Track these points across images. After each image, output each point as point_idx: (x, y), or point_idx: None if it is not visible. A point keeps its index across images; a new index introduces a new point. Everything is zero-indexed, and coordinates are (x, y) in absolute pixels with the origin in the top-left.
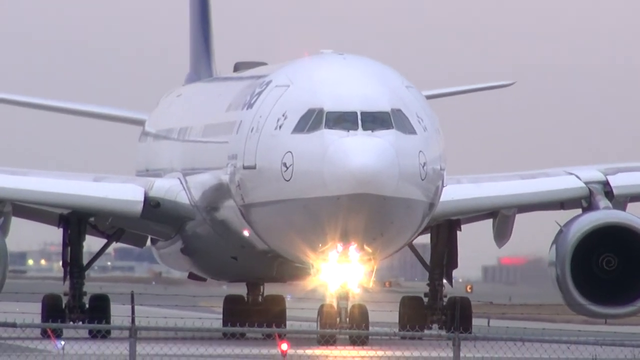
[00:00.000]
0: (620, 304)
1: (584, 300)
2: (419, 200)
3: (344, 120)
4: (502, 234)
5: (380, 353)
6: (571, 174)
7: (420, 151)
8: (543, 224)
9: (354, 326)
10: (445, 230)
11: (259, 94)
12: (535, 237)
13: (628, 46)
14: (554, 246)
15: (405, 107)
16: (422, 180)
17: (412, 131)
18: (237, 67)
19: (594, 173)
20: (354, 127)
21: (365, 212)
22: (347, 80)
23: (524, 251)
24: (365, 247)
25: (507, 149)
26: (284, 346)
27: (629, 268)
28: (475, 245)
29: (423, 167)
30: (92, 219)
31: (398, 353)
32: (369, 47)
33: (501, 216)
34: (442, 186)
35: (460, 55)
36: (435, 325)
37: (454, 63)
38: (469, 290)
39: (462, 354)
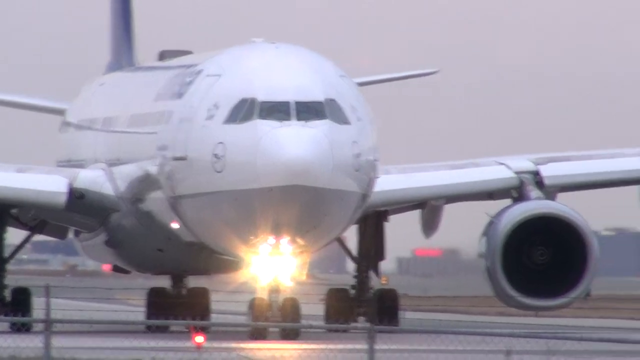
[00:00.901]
0: (552, 296)
1: (515, 292)
2: (353, 192)
3: (277, 111)
4: (430, 224)
5: (305, 347)
6: (502, 164)
7: (354, 142)
8: (461, 214)
9: (286, 320)
10: (372, 221)
11: (189, 83)
12: (450, 229)
13: (554, 36)
14: (485, 237)
15: (339, 97)
16: (356, 171)
17: (346, 121)
18: (163, 55)
19: (524, 163)
20: (288, 117)
21: (299, 204)
22: (280, 69)
23: (440, 243)
24: (298, 239)
25: (437, 138)
26: (199, 339)
27: (560, 259)
28: (389, 237)
29: (357, 158)
30: (14, 211)
31: (322, 346)
32: (293, 35)
33: (430, 207)
34: (375, 177)
35: (387, 43)
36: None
37: (380, 52)
38: (384, 282)
39: (377, 347)
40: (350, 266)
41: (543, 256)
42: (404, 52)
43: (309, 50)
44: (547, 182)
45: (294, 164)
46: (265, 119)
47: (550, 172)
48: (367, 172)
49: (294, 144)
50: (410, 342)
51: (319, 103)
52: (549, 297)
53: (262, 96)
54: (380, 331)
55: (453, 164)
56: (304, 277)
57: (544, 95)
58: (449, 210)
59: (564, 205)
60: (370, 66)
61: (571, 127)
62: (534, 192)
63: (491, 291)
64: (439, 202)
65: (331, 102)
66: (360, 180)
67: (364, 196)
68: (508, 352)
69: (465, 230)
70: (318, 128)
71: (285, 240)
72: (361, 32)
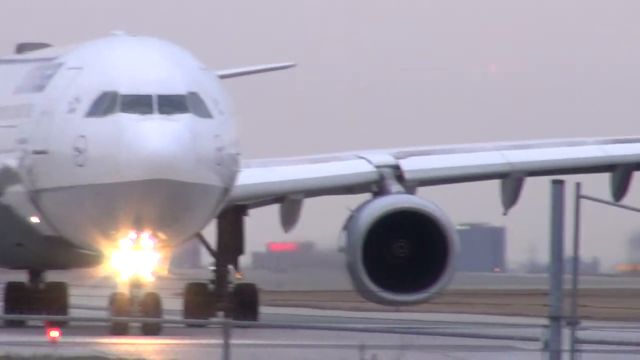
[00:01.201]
0: (412, 291)
1: (376, 287)
2: (215, 186)
3: (139, 104)
4: (289, 219)
5: (162, 342)
6: (362, 157)
7: (217, 135)
8: (321, 208)
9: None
10: (231, 215)
11: (50, 76)
12: (308, 223)
13: (421, 25)
14: (345, 232)
15: (201, 90)
16: (218, 165)
17: (208, 115)
18: (21, 48)
19: (385, 157)
20: (150, 110)
21: (161, 198)
22: (142, 62)
23: (298, 237)
24: (160, 234)
25: (298, 132)
26: (54, 333)
27: (421, 254)
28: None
29: (219, 151)
30: None
31: (179, 341)
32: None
33: (289, 201)
34: (238, 171)
35: (246, 36)
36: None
37: (238, 44)
38: (239, 277)
39: (233, 342)
40: (205, 261)
41: (403, 251)
42: (262, 46)
43: (170, 43)
44: (407, 176)
45: (156, 157)
46: (127, 112)
47: (411, 166)
48: (229, 165)
49: (156, 137)
50: (266, 337)
51: (181, 96)
52: (409, 292)
53: (124, 89)
54: (237, 326)
55: (314, 158)
56: (165, 272)
57: (405, 89)
58: (309, 204)
59: (425, 200)
60: (228, 59)
61: (432, 122)
62: (395, 186)
63: (351, 286)
64: (298, 197)
65: (193, 95)
66: (223, 174)
67: (226, 190)
68: (362, 347)
69: (324, 225)
70: (180, 122)
71: (146, 234)
72: (220, 24)
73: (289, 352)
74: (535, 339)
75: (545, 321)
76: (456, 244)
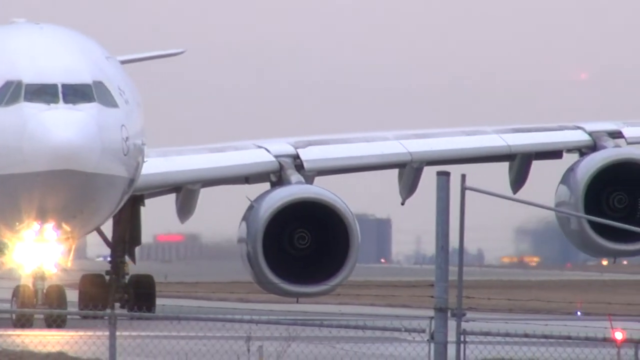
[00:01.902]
0: (314, 283)
1: (277, 278)
2: (121, 177)
3: (44, 93)
4: (185, 209)
5: (55, 333)
6: (261, 147)
7: (123, 125)
8: (212, 199)
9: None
10: (128, 206)
11: None
12: (202, 213)
13: (318, 10)
14: (245, 222)
15: (107, 79)
16: (125, 155)
17: (114, 104)
18: None
19: (284, 146)
20: (55, 100)
21: (66, 189)
22: (47, 51)
23: (180, 229)
24: (64, 225)
25: (196, 121)
26: None
27: (322, 245)
28: None
29: (125, 141)
30: None
31: (81, 333)
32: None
33: (186, 191)
34: (143, 161)
35: (135, 23)
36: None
37: (126, 31)
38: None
39: (119, 332)
40: (92, 252)
41: (304, 242)
42: (153, 32)
43: (74, 31)
44: (307, 165)
45: (61, 148)
46: (32, 101)
47: (310, 155)
48: (135, 156)
49: (61, 127)
50: (152, 329)
51: (87, 86)
52: (311, 284)
53: (28, 78)
54: (122, 317)
55: (213, 147)
56: (69, 264)
57: (303, 77)
58: (205, 194)
59: (326, 190)
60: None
61: (331, 110)
62: (294, 176)
63: (251, 277)
64: (195, 187)
65: (99, 84)
66: (129, 164)
67: (132, 181)
68: (248, 338)
69: (214, 215)
70: (86, 111)
71: (50, 226)
72: (113, 10)
73: (176, 344)
74: (422, 331)
75: (431, 312)
76: (357, 234)
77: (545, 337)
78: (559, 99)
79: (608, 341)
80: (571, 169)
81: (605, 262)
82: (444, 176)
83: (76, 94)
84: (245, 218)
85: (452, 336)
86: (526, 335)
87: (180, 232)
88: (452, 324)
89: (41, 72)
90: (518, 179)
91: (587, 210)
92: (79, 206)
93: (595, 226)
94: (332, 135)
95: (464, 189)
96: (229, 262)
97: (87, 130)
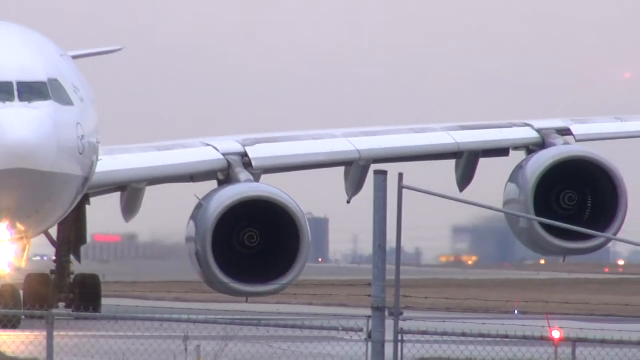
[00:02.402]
0: (264, 282)
1: (226, 278)
2: (76, 176)
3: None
4: (130, 208)
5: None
6: (209, 145)
7: (78, 123)
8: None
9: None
10: None
11: None
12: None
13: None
14: (193, 221)
15: (62, 77)
16: (80, 154)
17: (69, 102)
18: None
19: (231, 144)
20: (10, 98)
21: (22, 189)
22: (1, 49)
23: (118, 229)
24: (19, 225)
25: (143, 118)
26: None
27: (272, 244)
28: None
29: (81, 140)
30: None
31: (19, 332)
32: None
33: (131, 189)
34: (98, 160)
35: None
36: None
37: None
38: None
39: (59, 333)
40: (30, 251)
41: (254, 241)
42: (86, 30)
43: (28, 28)
44: (255, 163)
45: (17, 146)
46: None
47: (258, 153)
48: (90, 155)
49: (17, 126)
50: (90, 328)
51: (42, 83)
52: (261, 283)
53: None
54: (58, 317)
55: (160, 146)
56: (23, 264)
57: (248, 74)
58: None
59: (276, 188)
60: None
61: (278, 108)
62: (243, 174)
63: (200, 277)
64: (141, 185)
65: (54, 82)
66: (84, 163)
67: (86, 180)
68: (186, 338)
69: (155, 214)
70: (41, 109)
71: (3, 225)
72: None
73: (114, 343)
74: (359, 330)
75: (368, 312)
76: (307, 233)
77: (483, 336)
78: (507, 97)
79: (545, 340)
80: (520, 167)
81: (542, 261)
82: (381, 175)
83: (32, 92)
84: (193, 217)
85: (389, 335)
86: (464, 334)
87: (118, 233)
88: (389, 323)
89: None
90: (465, 177)
91: (537, 208)
92: (35, 206)
93: (545, 224)
94: (280, 133)
95: (401, 187)
96: (167, 261)
97: (43, 129)
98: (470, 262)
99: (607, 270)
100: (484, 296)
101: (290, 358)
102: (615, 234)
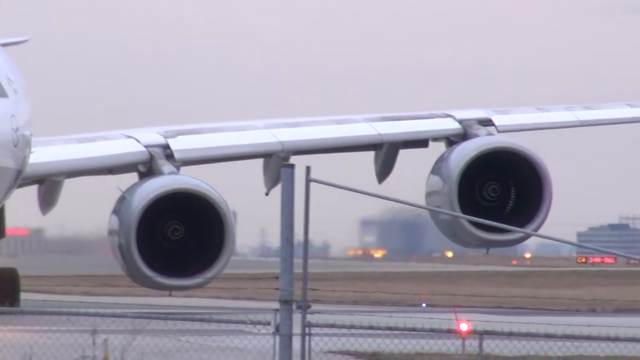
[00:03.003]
0: (188, 276)
1: (151, 271)
2: (10, 169)
3: None
4: (48, 201)
5: None
6: (130, 137)
7: (13, 115)
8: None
9: None
10: None
11: None
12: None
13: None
14: (116, 214)
15: None
16: (14, 147)
17: (3, 94)
18: None
19: (153, 136)
20: None
21: None
22: None
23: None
24: None
25: (63, 109)
26: None
27: (196, 237)
28: None
29: (16, 132)
30: None
31: None
32: None
33: (50, 182)
34: (30, 152)
35: None
36: None
37: None
38: None
39: None
40: None
41: (178, 234)
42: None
43: None
44: (177, 155)
45: None
46: None
47: (180, 145)
48: (23, 147)
49: None
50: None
51: None
52: (186, 277)
53: None
54: None
55: (81, 138)
56: None
57: (169, 65)
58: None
59: (201, 181)
60: None
61: (201, 99)
62: (166, 166)
63: (123, 270)
64: (59, 178)
65: None
66: (17, 156)
67: (20, 173)
68: (94, 332)
69: (64, 208)
70: None
71: None
72: None
73: (21, 337)
74: (267, 323)
75: (276, 305)
76: (232, 226)
77: (390, 329)
78: (428, 87)
79: (453, 333)
80: (443, 158)
81: (450, 254)
82: (288, 168)
83: None
84: (116, 210)
85: (297, 328)
86: (371, 327)
87: (27, 227)
88: (297, 316)
89: None
90: (384, 169)
91: (461, 200)
92: None
93: (470, 215)
94: (202, 125)
95: (308, 180)
96: (76, 255)
97: None
98: (377, 255)
99: (514, 262)
100: (392, 289)
101: (197, 351)
102: (540, 225)
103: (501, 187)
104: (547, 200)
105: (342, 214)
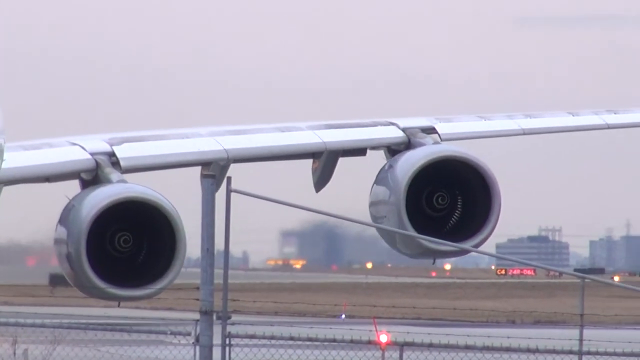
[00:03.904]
0: (139, 286)
1: (101, 282)
2: None
3: None
4: None
5: None
6: (75, 144)
7: None
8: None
9: None
10: None
11: None
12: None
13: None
14: (63, 223)
15: None
16: None
17: None
18: None
19: (99, 143)
20: None
21: None
22: None
23: None
24: None
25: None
26: None
27: (147, 247)
28: None
29: None
30: None
31: None
32: None
33: None
34: (2, 161)
35: None
36: None
37: None
38: None
39: None
40: None
41: (128, 244)
42: None
43: None
44: (123, 163)
45: None
46: None
47: (126, 153)
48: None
49: None
50: None
51: None
52: (136, 287)
53: None
54: None
55: (26, 145)
56: None
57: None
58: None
59: (151, 189)
60: None
61: (144, 107)
62: (114, 174)
63: (71, 280)
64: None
65: None
66: None
67: None
68: (14, 342)
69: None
70: None
71: None
72: None
73: None
74: (187, 334)
75: (196, 315)
76: (184, 235)
77: (310, 339)
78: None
79: (373, 344)
80: (390, 167)
81: (369, 265)
82: (209, 179)
83: None
84: (63, 218)
85: (217, 339)
86: (291, 338)
87: None
88: (218, 327)
89: None
90: (323, 178)
91: (408, 210)
92: None
93: (418, 226)
94: (148, 132)
95: (229, 191)
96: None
97: None
98: (297, 266)
99: (434, 274)
100: (312, 300)
101: None
102: (489, 234)
103: (449, 196)
104: (496, 210)
105: (262, 224)
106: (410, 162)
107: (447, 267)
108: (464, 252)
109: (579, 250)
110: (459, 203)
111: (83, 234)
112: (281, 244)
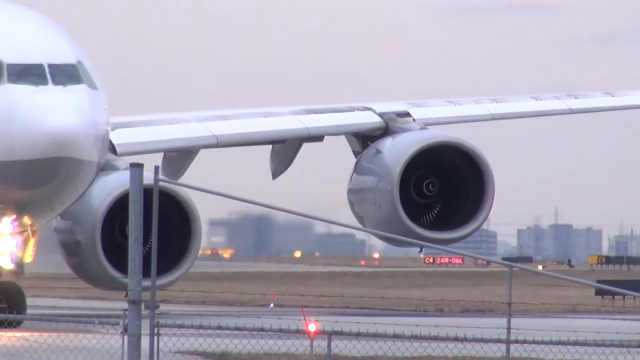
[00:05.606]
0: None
1: (118, 273)
2: (98, 163)
3: (29, 74)
4: None
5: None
6: None
7: (104, 109)
8: None
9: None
10: None
11: None
12: None
13: None
14: (69, 211)
15: (84, 59)
16: (105, 141)
17: (95, 86)
18: None
19: None
20: (43, 81)
21: (58, 179)
22: (25, 29)
23: None
24: (38, 217)
25: None
26: None
27: (160, 235)
28: None
29: (106, 126)
30: None
31: None
32: None
33: None
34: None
35: None
36: None
37: None
38: None
39: None
40: None
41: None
42: None
43: (32, 9)
44: (119, 149)
45: (60, 133)
46: (17, 83)
47: (121, 139)
48: (106, 141)
49: (56, 111)
50: None
51: (72, 66)
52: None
53: (9, 58)
54: None
55: None
56: (29, 259)
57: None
58: None
59: (166, 178)
60: None
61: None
62: (119, 161)
63: (72, 268)
64: None
65: (81, 65)
66: (104, 151)
67: (100, 167)
68: None
69: None
70: (77, 94)
71: (11, 217)
72: None
73: None
74: (115, 323)
75: (125, 305)
76: (200, 222)
77: (239, 329)
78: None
79: (301, 333)
80: (377, 153)
81: (298, 254)
82: (137, 168)
83: (64, 74)
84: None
85: (146, 328)
86: (220, 328)
87: None
88: (146, 316)
89: (23, 51)
90: (282, 164)
91: (401, 197)
92: (63, 196)
93: (411, 213)
94: (137, 117)
95: (157, 181)
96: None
97: (83, 115)
98: (226, 255)
99: (362, 263)
100: (240, 289)
101: (46, 351)
102: (484, 221)
103: (443, 184)
104: (490, 196)
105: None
106: (402, 148)
107: (376, 255)
108: (458, 239)
109: (507, 239)
110: (449, 190)
111: (98, 223)
112: (209, 233)
